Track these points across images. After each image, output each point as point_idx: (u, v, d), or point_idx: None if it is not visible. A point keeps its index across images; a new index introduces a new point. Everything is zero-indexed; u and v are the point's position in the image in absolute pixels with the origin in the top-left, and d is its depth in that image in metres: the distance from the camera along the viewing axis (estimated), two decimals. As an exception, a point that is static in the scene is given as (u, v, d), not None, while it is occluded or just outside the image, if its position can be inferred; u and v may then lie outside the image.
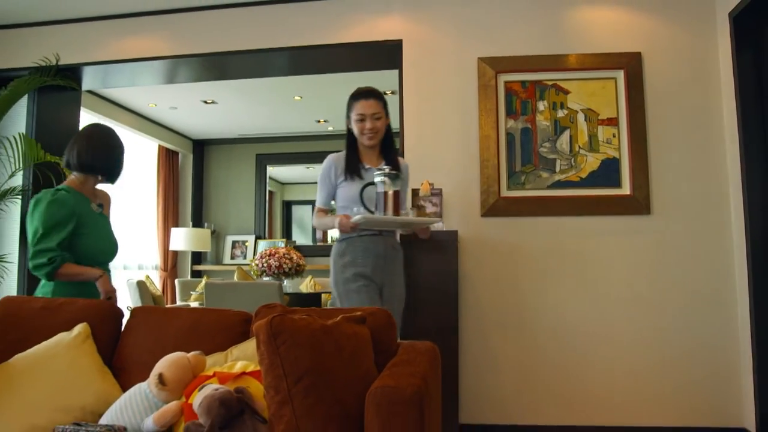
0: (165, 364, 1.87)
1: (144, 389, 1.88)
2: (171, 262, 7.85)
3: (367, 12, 4.10)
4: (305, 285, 6.32)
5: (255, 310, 2.28)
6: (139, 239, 7.33)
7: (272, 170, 8.51)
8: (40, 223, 2.61)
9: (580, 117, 3.78)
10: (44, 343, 2.26)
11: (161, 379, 1.83)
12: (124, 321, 2.48)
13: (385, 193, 2.79)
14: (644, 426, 3.57)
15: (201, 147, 8.38)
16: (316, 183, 3.07)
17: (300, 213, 9.56)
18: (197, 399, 1.71)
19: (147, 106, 6.75)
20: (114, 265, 7.05)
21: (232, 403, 1.65)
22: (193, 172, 8.24)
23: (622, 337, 3.65)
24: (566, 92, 3.80)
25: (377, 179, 2.82)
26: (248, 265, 6.83)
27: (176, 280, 6.93)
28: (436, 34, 4.00)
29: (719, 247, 3.65)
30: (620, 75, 3.76)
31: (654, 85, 3.75)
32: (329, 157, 3.06)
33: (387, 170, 2.79)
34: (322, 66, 4.75)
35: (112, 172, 2.84)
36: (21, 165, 4.14)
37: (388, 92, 6.15)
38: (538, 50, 3.86)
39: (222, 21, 4.33)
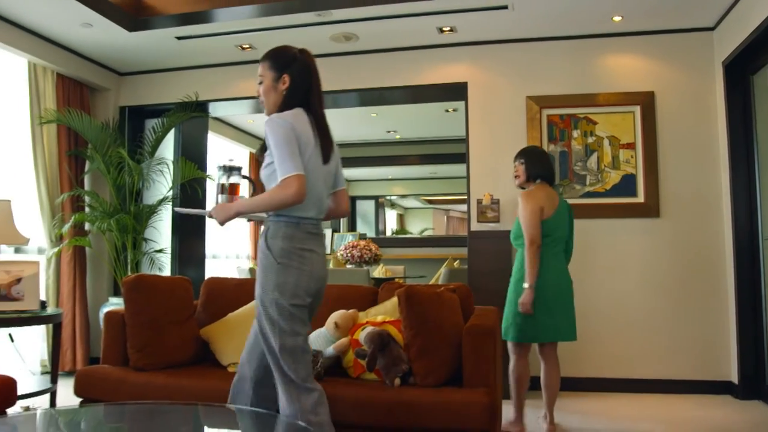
0: (337, 315, 3.11)
1: (323, 332, 3.12)
2: (260, 251, 9.16)
3: (440, 61, 5.22)
4: (378, 271, 7.50)
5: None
6: (234, 232, 8.68)
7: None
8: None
9: (606, 142, 4.87)
10: (245, 306, 3.51)
11: (336, 325, 3.07)
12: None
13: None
14: (650, 378, 4.66)
15: (283, 152, 9.64)
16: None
17: (364, 207, 10.78)
18: (362, 335, 2.94)
19: (245, 122, 8.07)
20: (217, 255, 8.34)
21: (384, 335, 2.88)
22: (278, 174, 9.50)
23: (636, 311, 4.72)
24: (595, 123, 4.89)
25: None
26: (330, 254, 8.09)
27: (269, 267, 8.24)
28: (493, 77, 5.11)
29: (712, 240, 4.69)
30: (637, 109, 4.83)
31: (664, 117, 4.80)
32: None
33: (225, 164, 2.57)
34: (390, 101, 5.91)
35: (553, 178, 3.80)
36: (175, 181, 5.46)
37: (450, 110, 7.26)
38: (573, 90, 4.93)
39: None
